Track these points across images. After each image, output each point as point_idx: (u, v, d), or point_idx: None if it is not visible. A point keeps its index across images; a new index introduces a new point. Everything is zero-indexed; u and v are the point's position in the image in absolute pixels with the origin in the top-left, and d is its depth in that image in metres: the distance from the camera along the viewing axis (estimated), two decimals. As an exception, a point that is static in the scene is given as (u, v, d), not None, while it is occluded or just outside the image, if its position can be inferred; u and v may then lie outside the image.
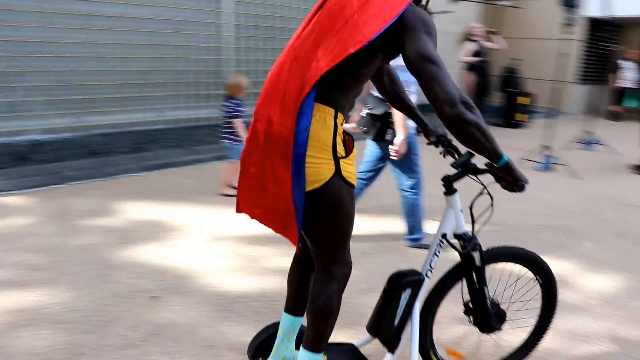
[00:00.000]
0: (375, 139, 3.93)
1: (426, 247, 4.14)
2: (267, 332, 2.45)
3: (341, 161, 1.89)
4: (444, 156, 2.51)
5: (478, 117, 1.78)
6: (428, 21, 1.83)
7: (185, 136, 7.82)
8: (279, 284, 3.45)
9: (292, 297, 2.30)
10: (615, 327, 3.16)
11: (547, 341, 2.93)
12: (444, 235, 2.29)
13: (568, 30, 7.04)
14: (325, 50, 1.80)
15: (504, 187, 1.98)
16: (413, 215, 4.09)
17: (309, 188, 1.86)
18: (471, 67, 10.29)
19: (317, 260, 2.05)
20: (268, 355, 2.36)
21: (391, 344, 2.31)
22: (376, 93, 3.83)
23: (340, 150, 1.90)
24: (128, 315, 2.99)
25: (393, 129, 3.80)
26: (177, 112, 8.71)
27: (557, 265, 4.00)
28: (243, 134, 5.24)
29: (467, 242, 2.30)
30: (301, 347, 2.09)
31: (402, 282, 2.24)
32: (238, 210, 2.09)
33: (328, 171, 1.86)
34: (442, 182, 2.27)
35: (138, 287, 3.33)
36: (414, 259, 3.96)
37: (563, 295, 3.51)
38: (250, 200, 2.01)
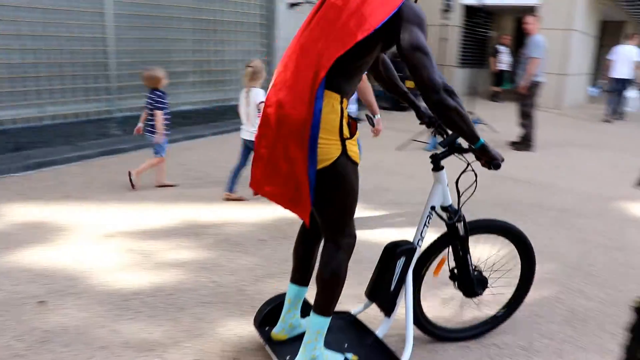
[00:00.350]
0: None
1: None
2: (272, 304, 2.62)
3: (347, 142, 2.10)
4: (434, 135, 2.82)
5: (458, 103, 2.04)
6: (421, 15, 2.06)
7: (69, 132, 7.42)
8: (175, 278, 3.39)
9: (298, 268, 2.47)
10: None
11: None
12: (432, 208, 2.53)
13: (447, 17, 7.39)
14: (335, 39, 2.00)
15: (482, 165, 2.28)
16: None
17: (319, 166, 2.05)
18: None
19: (325, 233, 2.24)
20: (274, 325, 2.54)
21: (388, 308, 2.52)
22: None
23: (346, 132, 2.10)
24: (13, 324, 2.81)
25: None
26: (59, 107, 8.20)
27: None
28: (161, 126, 5.12)
29: (452, 214, 2.56)
30: (312, 312, 2.26)
31: (396, 251, 2.45)
32: (251, 186, 2.30)
33: (336, 151, 2.06)
34: (430, 160, 2.55)
35: (23, 293, 3.14)
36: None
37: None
38: (260, 179, 2.21)
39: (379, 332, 2.55)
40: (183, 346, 2.66)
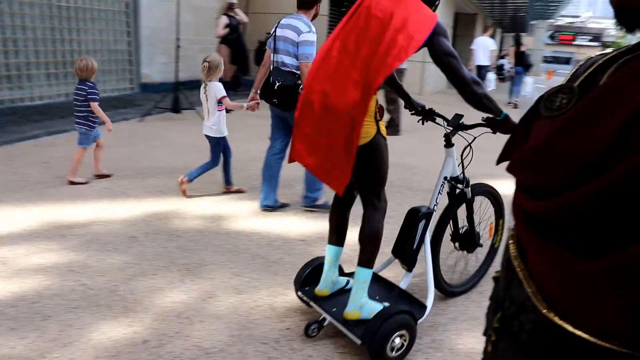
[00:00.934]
0: (286, 109, 4.27)
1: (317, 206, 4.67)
2: (310, 266, 3.05)
3: (379, 122, 2.61)
4: (423, 123, 3.33)
5: (483, 88, 2.61)
6: (444, 27, 2.60)
7: None
8: (39, 284, 3.14)
9: (335, 231, 2.93)
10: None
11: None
12: (445, 178, 3.08)
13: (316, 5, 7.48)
14: (387, 52, 2.41)
15: (502, 132, 2.75)
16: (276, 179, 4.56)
17: (360, 143, 2.49)
18: (224, 40, 10.57)
19: (364, 199, 2.75)
20: (314, 284, 2.95)
21: (409, 263, 3.01)
22: (286, 68, 4.30)
23: (378, 115, 2.61)
24: None
25: None
26: None
27: (316, 223, 4.32)
28: (102, 115, 4.94)
29: (461, 182, 3.12)
30: (357, 267, 2.72)
31: (417, 215, 2.96)
32: (291, 161, 2.79)
33: (372, 130, 2.57)
34: (443, 138, 3.06)
35: None
36: (184, 238, 3.93)
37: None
38: (303, 153, 2.67)
39: (403, 285, 3.01)
40: (51, 357, 2.48)
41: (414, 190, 5.56)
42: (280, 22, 4.44)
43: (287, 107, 4.23)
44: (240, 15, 10.75)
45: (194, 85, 12.82)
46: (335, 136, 2.50)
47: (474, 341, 2.88)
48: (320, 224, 4.35)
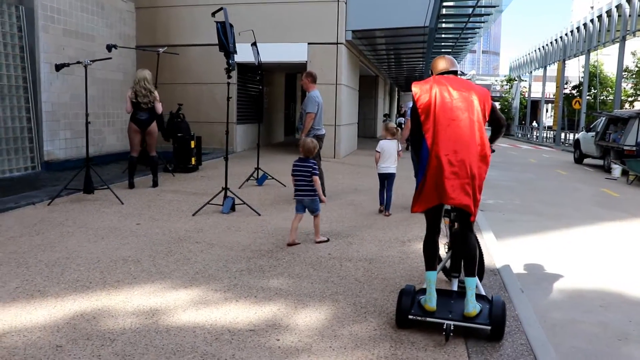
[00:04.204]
0: None
1: None
2: (408, 295, 3.79)
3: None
4: None
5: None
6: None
7: None
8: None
9: (433, 258, 3.91)
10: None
11: None
12: None
13: (230, 76, 7.34)
14: (480, 128, 3.77)
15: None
16: None
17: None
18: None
19: (467, 224, 3.87)
20: (410, 307, 3.76)
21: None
22: None
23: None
24: None
25: None
26: None
27: (262, 308, 4.00)
28: None
29: None
30: (466, 277, 3.77)
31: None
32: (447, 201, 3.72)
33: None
34: None
35: None
36: (119, 341, 3.47)
37: (284, 339, 3.51)
38: (452, 194, 3.64)
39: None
40: None
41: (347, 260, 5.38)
42: None
43: None
44: (156, 106, 9.32)
45: (103, 160, 12.22)
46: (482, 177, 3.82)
47: None
48: (268, 309, 4.03)
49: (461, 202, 3.64)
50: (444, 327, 3.57)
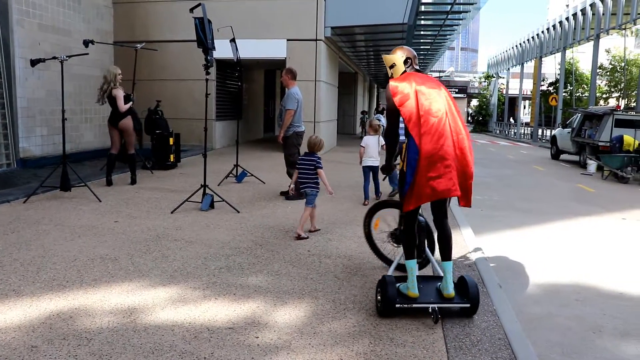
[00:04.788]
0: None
1: None
2: (393, 284, 3.96)
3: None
4: None
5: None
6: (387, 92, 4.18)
7: None
8: None
9: (413, 247, 4.09)
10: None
11: None
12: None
13: (208, 72, 7.29)
14: (455, 115, 4.04)
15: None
16: None
17: None
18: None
19: (444, 213, 4.17)
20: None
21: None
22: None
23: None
24: None
25: None
26: None
27: (241, 305, 3.99)
28: None
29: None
30: (448, 262, 4.02)
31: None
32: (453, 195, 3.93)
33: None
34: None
35: None
36: (96, 341, 3.43)
37: (267, 338, 3.50)
38: (452, 187, 3.86)
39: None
40: None
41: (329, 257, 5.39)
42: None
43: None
44: (118, 104, 8.85)
45: (80, 157, 12.06)
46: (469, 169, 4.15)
47: None
48: (247, 306, 4.02)
49: (457, 194, 3.89)
50: (430, 310, 3.82)
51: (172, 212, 7.04)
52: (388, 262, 5.02)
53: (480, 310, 4.09)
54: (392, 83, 4.08)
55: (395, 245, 4.70)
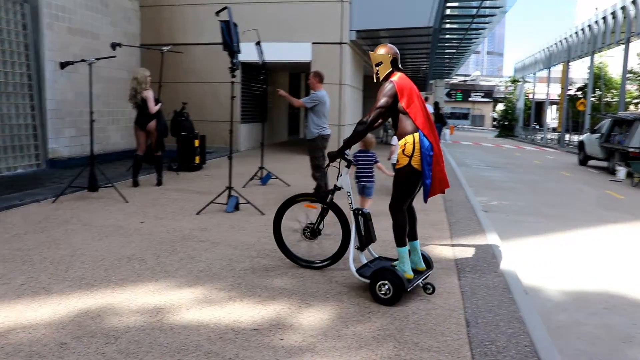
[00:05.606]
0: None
1: None
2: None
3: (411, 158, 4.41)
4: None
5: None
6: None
7: None
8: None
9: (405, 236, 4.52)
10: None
11: None
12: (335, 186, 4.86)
13: (234, 75, 7.34)
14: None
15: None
16: None
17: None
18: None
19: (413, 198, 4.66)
20: None
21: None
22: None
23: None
24: None
25: None
26: None
27: (266, 307, 4.01)
28: None
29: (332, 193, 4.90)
30: (416, 240, 4.66)
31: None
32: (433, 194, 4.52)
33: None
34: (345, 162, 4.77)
35: None
36: (124, 339, 3.47)
37: (289, 338, 3.51)
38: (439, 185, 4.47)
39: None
40: None
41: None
42: None
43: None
44: (149, 106, 8.94)
45: (107, 158, 12.24)
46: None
47: None
48: (272, 308, 4.03)
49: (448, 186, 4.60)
50: (421, 285, 4.48)
51: (197, 214, 7.10)
52: (299, 261, 5.11)
53: (506, 316, 4.05)
54: (397, 83, 4.39)
55: (311, 239, 5.03)
